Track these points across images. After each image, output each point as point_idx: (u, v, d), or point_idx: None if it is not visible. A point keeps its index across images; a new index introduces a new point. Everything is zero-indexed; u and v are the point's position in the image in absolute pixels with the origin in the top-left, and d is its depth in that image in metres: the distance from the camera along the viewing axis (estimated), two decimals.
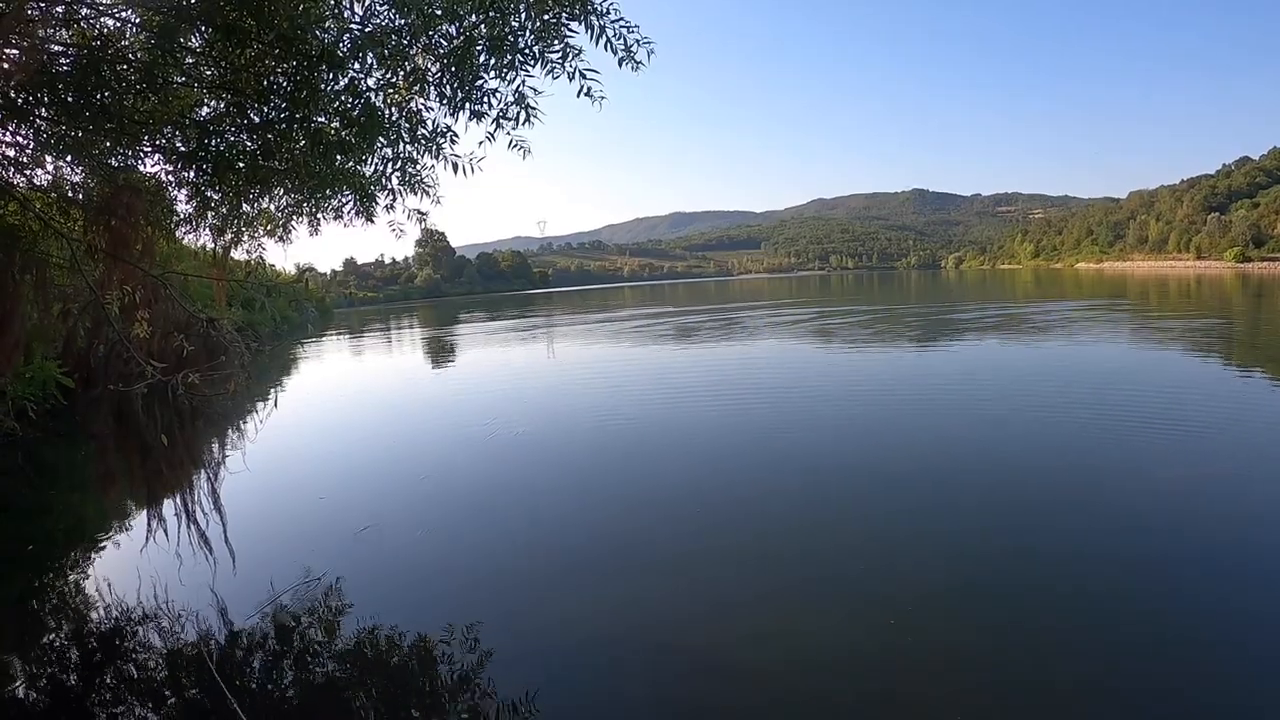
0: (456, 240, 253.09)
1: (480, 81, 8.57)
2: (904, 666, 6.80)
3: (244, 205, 10.90)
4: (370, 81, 8.98)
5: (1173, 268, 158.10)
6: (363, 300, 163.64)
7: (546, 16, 7.97)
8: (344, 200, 10.51)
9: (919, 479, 12.17)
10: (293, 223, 11.40)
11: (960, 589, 8.24)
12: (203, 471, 15.01)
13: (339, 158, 9.58)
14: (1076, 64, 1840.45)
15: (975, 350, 30.16)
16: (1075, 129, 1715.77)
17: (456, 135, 9.50)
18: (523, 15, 8.05)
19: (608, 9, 7.90)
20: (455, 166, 9.58)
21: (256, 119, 9.68)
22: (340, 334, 64.63)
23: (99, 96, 9.11)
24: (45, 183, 11.13)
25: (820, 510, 10.98)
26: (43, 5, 8.97)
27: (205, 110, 10.23)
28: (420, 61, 8.62)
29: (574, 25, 8.03)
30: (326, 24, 8.48)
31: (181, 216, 11.16)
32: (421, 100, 9.16)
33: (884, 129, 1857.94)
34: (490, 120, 8.81)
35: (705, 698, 6.48)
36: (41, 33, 9.10)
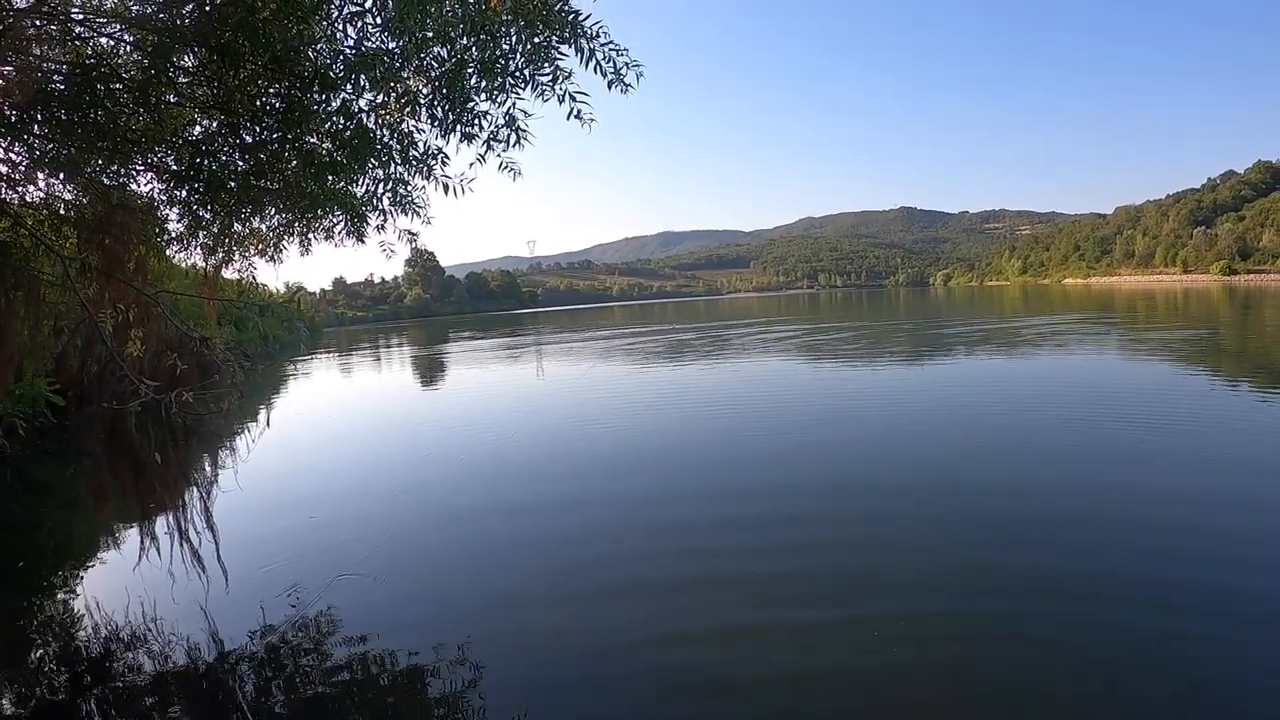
0: (446, 260, 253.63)
1: (471, 104, 8.67)
2: (891, 681, 6.84)
3: (235, 224, 10.95)
4: (362, 103, 9.08)
5: (1159, 282, 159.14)
6: (352, 319, 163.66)
7: (537, 40, 8.07)
8: (335, 220, 10.58)
9: (908, 492, 12.23)
10: (284, 242, 11.45)
11: (947, 602, 8.29)
12: (195, 490, 14.97)
13: (330, 178, 9.65)
14: (1063, 80, 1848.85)
15: (967, 363, 30.27)
16: (1062, 146, 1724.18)
17: (447, 157, 9.62)
18: (513, 38, 8.15)
19: (597, 32, 8.00)
20: (446, 187, 9.67)
21: (249, 139, 9.76)
22: (330, 353, 64.54)
23: (92, 115, 9.18)
24: (38, 200, 11.17)
25: (811, 526, 10.99)
26: (38, 24, 9.04)
27: (198, 130, 10.31)
28: (412, 83, 8.71)
29: (564, 48, 8.13)
30: (319, 46, 8.57)
31: (173, 235, 11.20)
32: (413, 122, 9.26)
33: (872, 148, 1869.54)
34: (481, 142, 8.92)
35: (694, 714, 6.51)
36: (37, 51, 9.18)
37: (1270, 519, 10.28)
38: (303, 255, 11.70)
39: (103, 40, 9.76)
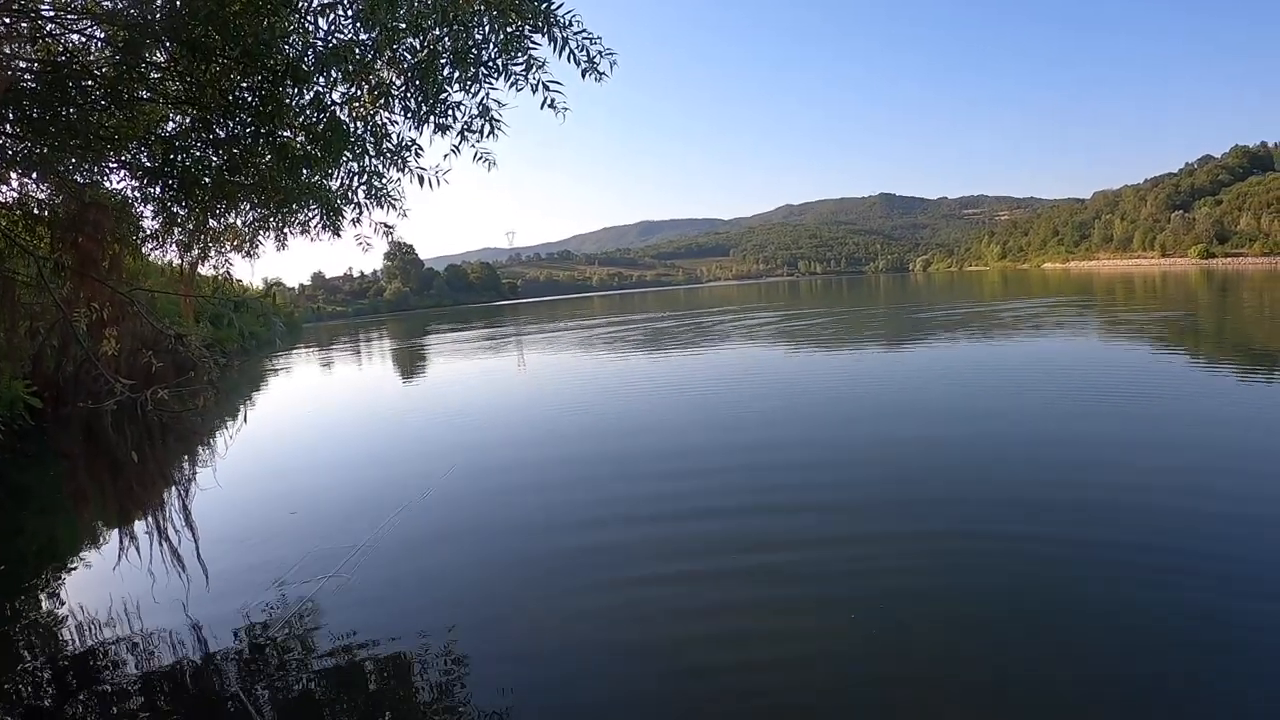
0: (425, 253, 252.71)
1: (444, 94, 8.64)
2: (883, 665, 6.88)
3: (210, 220, 10.89)
4: (335, 95, 9.04)
5: (1138, 265, 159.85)
6: (331, 314, 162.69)
7: (509, 29, 8.03)
8: (310, 214, 10.53)
9: (895, 479, 12.28)
10: (259, 237, 11.40)
11: (927, 584, 8.33)
12: (173, 489, 14.90)
13: (305, 172, 9.60)
14: (1036, 69, 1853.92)
15: (949, 345, 30.47)
16: (1039, 132, 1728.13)
17: (421, 148, 9.58)
18: (486, 28, 8.11)
19: (570, 21, 7.98)
20: (421, 179, 9.64)
21: (222, 134, 9.70)
22: (309, 348, 64.32)
23: (64, 112, 9.12)
24: (11, 199, 11.08)
25: (794, 513, 11.01)
26: (8, 21, 8.96)
27: (171, 126, 10.24)
28: (384, 75, 8.67)
29: (537, 38, 8.10)
30: (291, 38, 8.51)
31: (148, 233, 11.13)
32: (386, 114, 9.22)
33: (850, 135, 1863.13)
34: (455, 133, 8.89)
35: (680, 700, 6.52)
36: (6, 49, 9.10)
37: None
38: (279, 250, 11.66)
39: (73, 37, 9.69)
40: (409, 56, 8.45)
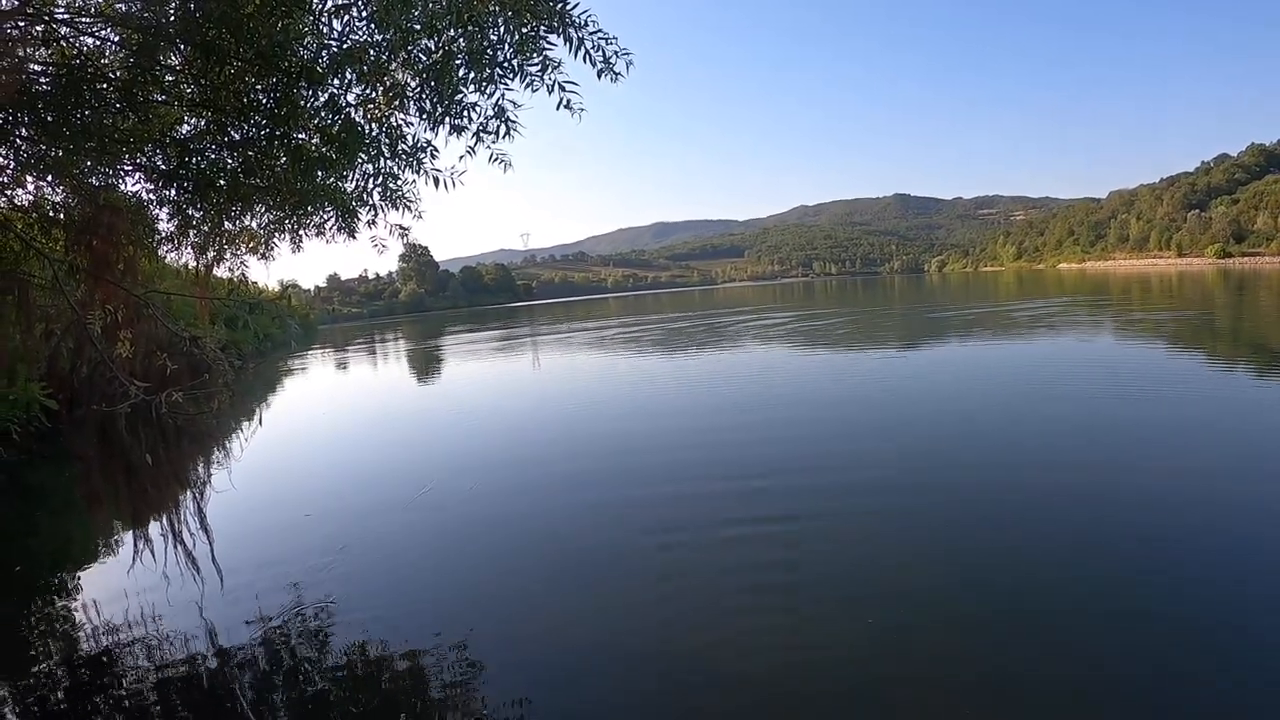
0: (440, 254, 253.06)
1: (459, 95, 8.58)
2: (885, 665, 6.84)
3: (226, 223, 10.86)
4: (350, 97, 8.99)
5: (1154, 265, 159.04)
6: (347, 316, 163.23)
7: (525, 29, 7.97)
8: (326, 216, 10.50)
9: (898, 479, 12.21)
10: (275, 240, 11.37)
11: (934, 588, 8.28)
12: (188, 491, 14.92)
13: (320, 174, 9.57)
14: (1040, 70, 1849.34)
15: (959, 347, 30.36)
16: (1040, 132, 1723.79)
17: (437, 150, 9.53)
18: (501, 29, 8.05)
19: (586, 21, 7.91)
20: (436, 181, 9.59)
21: (237, 136, 9.68)
22: (325, 349, 64.52)
23: (79, 115, 9.09)
24: (26, 203, 11.08)
25: (800, 516, 10.95)
26: (22, 24, 8.95)
27: (186, 128, 10.21)
28: (399, 76, 8.63)
29: (552, 38, 8.03)
30: (306, 40, 8.48)
31: (163, 235, 11.11)
32: (401, 115, 9.17)
33: (865, 136, 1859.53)
34: (470, 134, 8.83)
35: (693, 701, 6.49)
36: (21, 52, 9.09)
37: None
38: (294, 252, 11.63)
39: (87, 40, 9.67)
40: (424, 58, 8.40)
